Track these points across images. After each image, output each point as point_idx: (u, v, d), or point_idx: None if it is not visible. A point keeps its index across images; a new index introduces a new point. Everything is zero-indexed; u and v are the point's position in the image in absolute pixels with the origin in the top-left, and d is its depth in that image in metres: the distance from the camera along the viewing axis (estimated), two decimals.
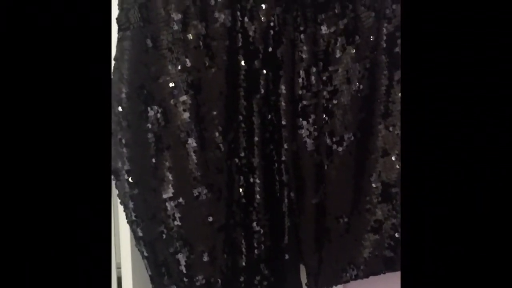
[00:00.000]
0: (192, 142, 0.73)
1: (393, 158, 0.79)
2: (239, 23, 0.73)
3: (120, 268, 0.80)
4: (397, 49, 0.77)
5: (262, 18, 0.73)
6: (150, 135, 0.73)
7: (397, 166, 0.79)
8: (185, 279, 0.75)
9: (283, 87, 0.75)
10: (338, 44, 0.76)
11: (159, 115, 0.73)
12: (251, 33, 0.74)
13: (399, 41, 0.77)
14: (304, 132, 0.77)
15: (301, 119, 0.77)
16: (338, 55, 0.77)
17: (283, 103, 0.75)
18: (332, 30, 0.76)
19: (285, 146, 0.76)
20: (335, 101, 0.78)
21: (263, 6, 0.73)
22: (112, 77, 0.71)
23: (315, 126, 0.77)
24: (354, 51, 0.77)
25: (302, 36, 0.75)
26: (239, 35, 0.74)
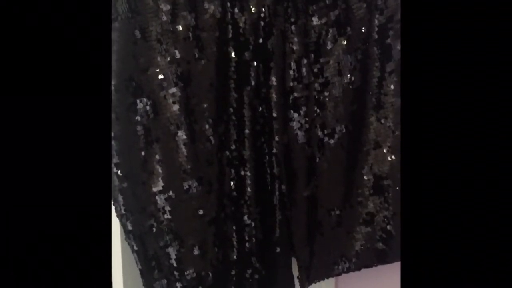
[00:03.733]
0: (182, 135, 0.72)
1: (384, 151, 0.79)
2: (229, 14, 0.72)
3: None
4: (389, 41, 0.76)
5: (253, 9, 0.73)
6: (139, 128, 0.72)
7: (389, 159, 0.79)
8: (175, 273, 0.74)
9: (274, 79, 0.74)
10: (329, 36, 0.76)
11: (148, 107, 0.72)
12: (241, 24, 0.73)
13: (391, 33, 0.76)
14: (295, 124, 0.77)
15: (292, 111, 0.76)
16: (329, 46, 0.76)
17: (274, 95, 0.75)
18: (323, 21, 0.75)
19: (276, 138, 0.75)
20: (326, 93, 0.77)
21: None
22: None
23: (307, 119, 0.77)
24: (346, 42, 0.76)
25: (293, 27, 0.74)
26: (229, 26, 0.73)
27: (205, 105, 0.73)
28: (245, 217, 0.77)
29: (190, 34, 0.71)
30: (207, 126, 0.74)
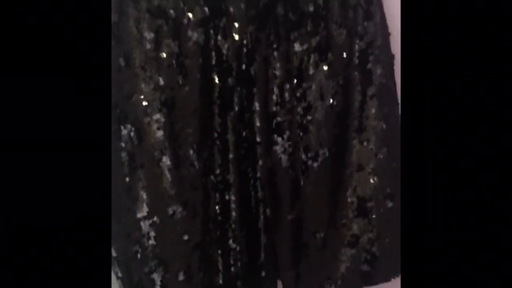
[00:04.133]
0: (166, 160, 0.73)
1: (367, 173, 0.80)
2: (212, 41, 0.73)
3: None
4: (370, 66, 0.78)
5: (236, 37, 0.74)
6: (123, 154, 0.73)
7: (372, 181, 0.80)
8: None
9: (257, 104, 0.75)
10: (311, 61, 0.77)
11: (132, 133, 0.72)
12: (224, 51, 0.74)
13: (371, 58, 0.78)
14: (279, 148, 0.77)
15: (275, 135, 0.77)
16: (311, 71, 0.77)
17: (257, 120, 0.76)
18: (305, 47, 0.76)
19: (260, 162, 0.76)
20: (309, 117, 0.78)
21: (236, 24, 0.73)
22: None
23: (290, 142, 0.78)
24: (327, 67, 0.77)
25: (275, 53, 0.75)
26: (213, 53, 0.74)
27: (189, 131, 0.74)
28: (230, 241, 0.77)
29: (174, 61, 0.72)
30: (191, 152, 0.74)
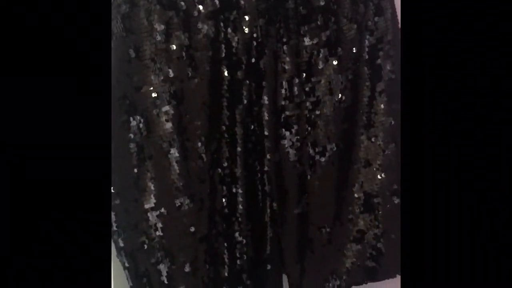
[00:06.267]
0: (174, 152, 0.73)
1: (374, 169, 0.80)
2: (222, 34, 0.73)
3: None
4: (379, 61, 0.78)
5: (245, 30, 0.74)
6: (132, 145, 0.73)
7: (379, 177, 0.80)
8: None
9: (266, 97, 0.75)
10: (320, 56, 0.77)
11: (141, 125, 0.73)
12: (234, 44, 0.74)
13: (381, 53, 0.78)
14: (287, 142, 0.77)
15: (284, 129, 0.77)
16: (320, 66, 0.77)
17: (265, 114, 0.76)
18: (314, 41, 0.76)
19: (268, 156, 0.76)
20: (317, 112, 0.78)
21: (246, 17, 0.73)
22: None
23: (298, 137, 0.78)
24: (337, 62, 0.77)
25: (285, 47, 0.75)
26: (222, 46, 0.74)
27: (198, 123, 0.74)
28: (237, 234, 0.77)
29: (184, 54, 0.73)
30: (199, 144, 0.74)
